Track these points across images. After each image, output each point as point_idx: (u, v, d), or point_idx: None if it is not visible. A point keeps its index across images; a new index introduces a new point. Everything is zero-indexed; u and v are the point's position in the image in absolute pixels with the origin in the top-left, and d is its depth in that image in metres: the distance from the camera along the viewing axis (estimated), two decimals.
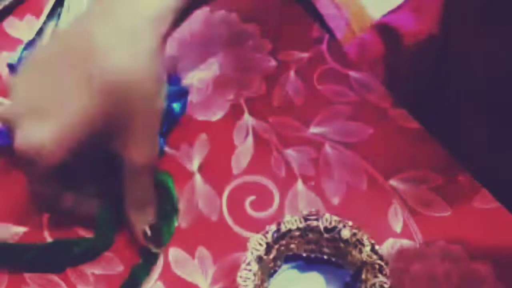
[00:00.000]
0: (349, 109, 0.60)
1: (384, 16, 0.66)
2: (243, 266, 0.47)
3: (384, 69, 0.63)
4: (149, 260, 0.52)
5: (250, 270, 0.46)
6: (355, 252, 0.48)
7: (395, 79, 0.62)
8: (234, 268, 0.52)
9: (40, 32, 0.64)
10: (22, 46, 0.62)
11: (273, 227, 0.48)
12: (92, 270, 0.53)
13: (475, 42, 0.56)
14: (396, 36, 0.60)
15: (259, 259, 0.47)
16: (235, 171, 0.57)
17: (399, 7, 0.63)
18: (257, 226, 0.53)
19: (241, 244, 0.51)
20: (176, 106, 0.58)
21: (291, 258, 0.50)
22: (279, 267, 0.49)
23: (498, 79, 0.56)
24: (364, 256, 0.47)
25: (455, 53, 0.59)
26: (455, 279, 0.52)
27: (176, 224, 0.54)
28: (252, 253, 0.47)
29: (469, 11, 0.56)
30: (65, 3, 0.65)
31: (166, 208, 0.53)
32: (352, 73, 0.62)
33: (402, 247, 0.53)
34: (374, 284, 0.46)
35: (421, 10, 0.61)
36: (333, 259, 0.49)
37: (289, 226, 0.48)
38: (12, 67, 0.61)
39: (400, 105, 0.59)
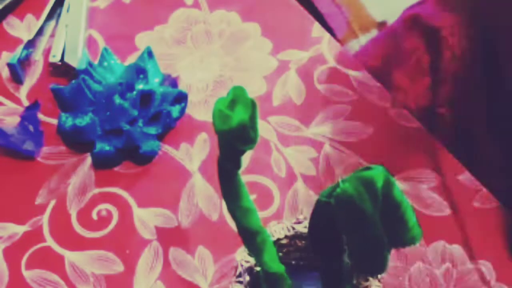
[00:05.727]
0: (349, 109, 0.60)
1: (410, 8, 0.66)
2: (234, 278, 0.46)
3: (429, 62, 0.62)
4: None
5: (241, 282, 0.46)
6: (344, 257, 0.48)
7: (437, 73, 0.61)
8: (234, 267, 0.52)
9: (40, 32, 0.64)
10: (22, 46, 0.62)
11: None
12: (92, 270, 0.53)
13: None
14: (432, 29, 0.59)
15: (250, 270, 0.47)
16: None
17: (423, 1, 0.62)
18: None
19: (241, 244, 0.51)
20: (174, 110, 0.58)
21: None
22: None
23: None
24: None
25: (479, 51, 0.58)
26: (455, 279, 0.52)
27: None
28: (242, 265, 0.47)
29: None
30: (65, 3, 0.65)
31: None
32: (352, 73, 0.62)
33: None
34: None
35: (446, 4, 0.60)
36: None
37: (277, 235, 0.48)
38: (12, 67, 0.61)
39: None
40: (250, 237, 0.40)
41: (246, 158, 0.58)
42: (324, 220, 0.38)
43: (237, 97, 0.35)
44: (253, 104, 0.35)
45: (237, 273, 0.46)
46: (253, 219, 0.40)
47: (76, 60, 0.61)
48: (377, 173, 0.32)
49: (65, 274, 0.53)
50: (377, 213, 0.32)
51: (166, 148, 0.58)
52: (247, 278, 0.46)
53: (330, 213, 0.35)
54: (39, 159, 0.58)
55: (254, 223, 0.40)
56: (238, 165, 0.38)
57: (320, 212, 0.38)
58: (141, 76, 0.59)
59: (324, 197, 0.36)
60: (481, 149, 0.59)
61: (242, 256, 0.47)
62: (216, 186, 0.56)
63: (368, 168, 0.32)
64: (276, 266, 0.41)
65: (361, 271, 0.41)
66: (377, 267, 0.35)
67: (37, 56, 0.63)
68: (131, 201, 0.56)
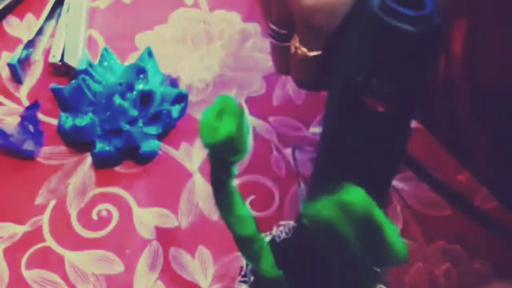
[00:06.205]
0: None
1: None
2: (239, 278, 0.46)
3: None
4: None
5: (246, 282, 0.46)
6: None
7: None
8: (234, 267, 0.52)
9: (40, 32, 0.64)
10: (22, 46, 0.62)
11: (267, 238, 0.48)
12: (92, 270, 0.53)
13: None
14: None
15: (255, 271, 0.47)
16: None
17: None
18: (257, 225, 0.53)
19: None
20: (174, 110, 0.59)
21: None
22: None
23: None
24: None
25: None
26: (455, 279, 0.52)
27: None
28: (247, 265, 0.46)
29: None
30: (65, 3, 0.65)
31: None
32: None
33: None
34: None
35: None
36: None
37: (283, 236, 0.47)
38: (12, 67, 0.61)
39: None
40: (246, 245, 0.40)
41: (246, 158, 0.58)
42: (305, 241, 0.37)
43: (224, 107, 0.34)
44: (240, 114, 0.34)
45: (242, 273, 0.46)
46: (248, 227, 0.39)
47: (76, 60, 0.61)
48: (356, 197, 0.31)
49: (65, 274, 0.53)
50: (355, 236, 0.32)
51: (166, 148, 0.58)
52: (252, 278, 0.46)
53: (310, 234, 0.34)
54: (39, 159, 0.58)
55: (249, 230, 0.39)
56: (230, 174, 0.37)
57: (303, 233, 0.37)
58: (141, 76, 0.59)
59: (304, 218, 0.35)
60: (468, 137, 0.60)
61: None
62: None
63: (345, 191, 0.31)
64: (274, 271, 0.41)
65: None
66: (361, 286, 0.35)
67: (37, 56, 0.63)
68: (131, 201, 0.56)
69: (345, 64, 0.37)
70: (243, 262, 0.46)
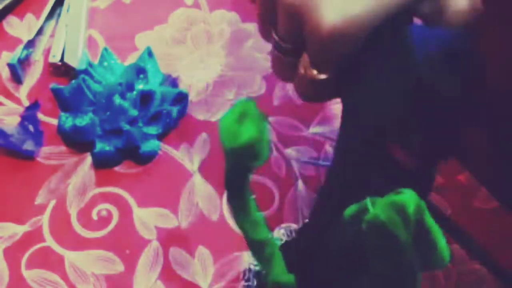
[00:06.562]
0: None
1: None
2: (242, 282, 0.46)
3: None
4: None
5: (249, 287, 0.46)
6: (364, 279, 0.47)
7: None
8: (234, 268, 0.52)
9: (40, 32, 0.64)
10: (22, 46, 0.62)
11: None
12: (92, 270, 0.53)
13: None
14: None
15: (258, 274, 0.47)
16: None
17: None
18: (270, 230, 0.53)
19: (241, 244, 0.51)
20: (174, 110, 0.58)
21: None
22: None
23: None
24: None
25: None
26: (455, 279, 0.52)
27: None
28: (250, 269, 0.46)
29: None
30: (65, 3, 0.65)
31: None
32: None
33: None
34: None
35: None
36: None
37: (284, 238, 0.47)
38: (12, 67, 0.61)
39: None
40: (259, 249, 0.40)
41: None
42: (347, 241, 0.36)
43: (245, 111, 0.33)
44: (262, 118, 0.33)
45: (246, 277, 0.46)
46: (261, 232, 0.39)
47: (76, 60, 0.61)
48: (409, 198, 0.31)
49: (65, 274, 0.53)
50: (409, 239, 0.31)
51: (166, 148, 0.58)
52: (255, 282, 0.46)
53: (355, 234, 0.33)
54: (39, 159, 0.58)
55: (262, 235, 0.39)
56: (247, 180, 0.37)
57: (345, 233, 0.36)
58: (141, 76, 0.59)
59: (349, 217, 0.34)
60: (468, 136, 0.60)
61: (251, 260, 0.47)
62: (216, 186, 0.56)
63: (398, 192, 0.31)
64: (285, 276, 0.41)
65: None
66: None
67: (37, 56, 0.63)
68: (131, 201, 0.56)
69: (368, 104, 0.35)
70: (246, 265, 0.47)
